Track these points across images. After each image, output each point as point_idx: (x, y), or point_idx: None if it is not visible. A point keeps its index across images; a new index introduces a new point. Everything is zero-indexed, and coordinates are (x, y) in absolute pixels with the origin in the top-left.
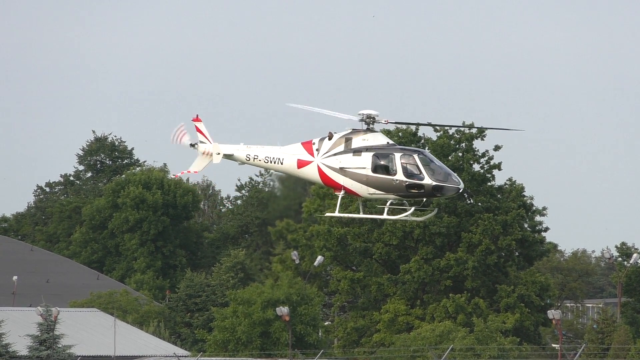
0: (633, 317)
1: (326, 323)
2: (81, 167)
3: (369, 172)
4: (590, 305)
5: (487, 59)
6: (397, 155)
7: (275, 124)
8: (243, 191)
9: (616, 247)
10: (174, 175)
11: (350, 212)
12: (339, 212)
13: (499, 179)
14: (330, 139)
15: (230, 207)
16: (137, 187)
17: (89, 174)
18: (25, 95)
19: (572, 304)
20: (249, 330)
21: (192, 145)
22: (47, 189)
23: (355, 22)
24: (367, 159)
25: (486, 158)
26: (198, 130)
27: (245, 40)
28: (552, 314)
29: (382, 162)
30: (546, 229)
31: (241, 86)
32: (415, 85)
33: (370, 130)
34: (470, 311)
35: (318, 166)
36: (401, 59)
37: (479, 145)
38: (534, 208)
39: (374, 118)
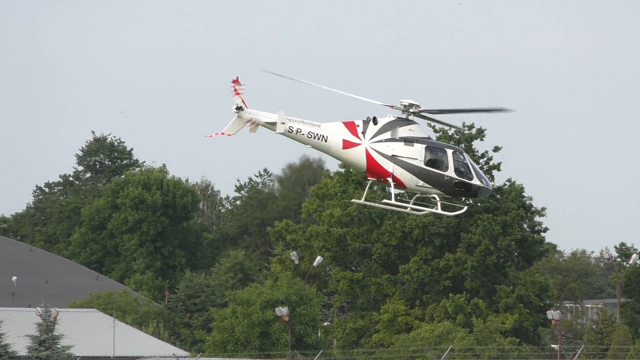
0: (632, 318)
1: (325, 323)
2: (80, 168)
3: (421, 164)
4: (589, 305)
5: (487, 58)
6: (449, 152)
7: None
8: (242, 192)
9: (615, 247)
10: (206, 135)
11: (375, 202)
12: (365, 199)
13: (499, 179)
14: (375, 123)
15: (229, 207)
16: (136, 188)
17: (88, 175)
18: (24, 96)
19: (571, 305)
20: (248, 330)
21: (238, 108)
22: (47, 190)
23: (354, 20)
24: (419, 151)
25: (485, 159)
26: (237, 93)
27: (244, 41)
28: (552, 314)
29: (434, 157)
30: (545, 230)
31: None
32: (415, 85)
33: (411, 121)
34: (469, 311)
35: (367, 150)
36: (400, 58)
37: (478, 145)
38: (533, 209)
39: (416, 107)
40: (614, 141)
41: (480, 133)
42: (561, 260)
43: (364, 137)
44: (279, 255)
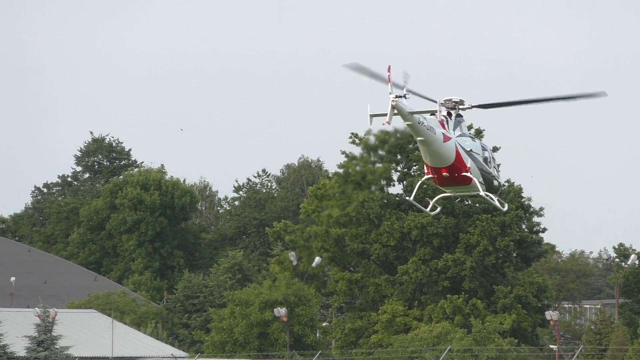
0: (630, 318)
1: (324, 324)
2: (79, 168)
3: (483, 163)
4: (587, 306)
5: (486, 58)
6: (489, 150)
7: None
8: (240, 192)
9: (614, 248)
10: (383, 123)
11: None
12: (414, 199)
13: None
14: (436, 116)
15: (227, 208)
16: (134, 188)
17: (87, 175)
18: (23, 96)
19: (570, 305)
20: (246, 331)
21: (402, 96)
22: (45, 190)
23: (352, 22)
24: (479, 148)
25: None
26: (390, 80)
27: (243, 41)
28: (550, 314)
29: (487, 155)
30: (544, 230)
31: (239, 86)
32: (414, 85)
33: (460, 116)
34: (467, 312)
35: (455, 144)
36: (399, 59)
37: None
38: (531, 209)
39: (460, 103)
40: (614, 141)
41: (479, 133)
42: (560, 260)
43: (449, 131)
44: (278, 255)
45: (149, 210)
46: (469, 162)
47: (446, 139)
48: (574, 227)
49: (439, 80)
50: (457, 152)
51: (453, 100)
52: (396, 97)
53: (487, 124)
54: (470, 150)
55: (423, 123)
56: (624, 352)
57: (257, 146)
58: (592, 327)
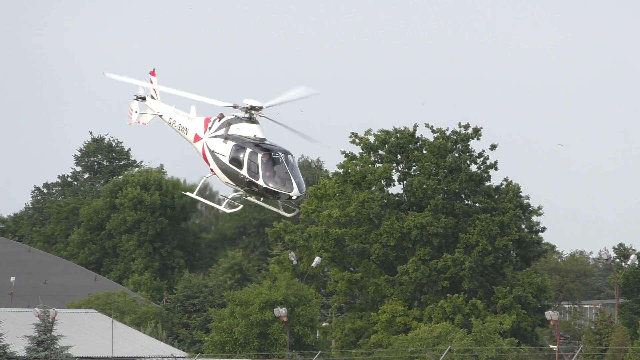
0: (630, 318)
1: (324, 324)
2: (78, 168)
3: (226, 160)
4: (587, 306)
5: (485, 58)
6: (248, 151)
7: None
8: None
9: (614, 248)
10: (129, 123)
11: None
12: (197, 194)
13: (496, 178)
14: (219, 120)
15: None
16: (134, 188)
17: (87, 175)
18: (22, 96)
19: (569, 305)
20: (246, 331)
21: (138, 97)
22: (45, 190)
23: (353, 20)
24: (228, 148)
25: (482, 158)
26: (151, 83)
27: (243, 40)
28: (550, 314)
29: (237, 155)
30: (543, 229)
31: (239, 86)
32: (413, 85)
33: (250, 120)
34: (467, 312)
35: (203, 145)
36: (398, 58)
37: (475, 145)
38: (530, 208)
39: (255, 109)
40: (613, 141)
41: (477, 132)
42: (560, 260)
43: (208, 132)
44: (278, 255)
45: (149, 210)
46: (212, 163)
47: (196, 139)
48: (574, 227)
49: (438, 80)
50: (204, 152)
51: (250, 104)
52: (137, 97)
53: (487, 123)
54: (214, 151)
55: (174, 123)
56: (624, 352)
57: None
58: (592, 327)
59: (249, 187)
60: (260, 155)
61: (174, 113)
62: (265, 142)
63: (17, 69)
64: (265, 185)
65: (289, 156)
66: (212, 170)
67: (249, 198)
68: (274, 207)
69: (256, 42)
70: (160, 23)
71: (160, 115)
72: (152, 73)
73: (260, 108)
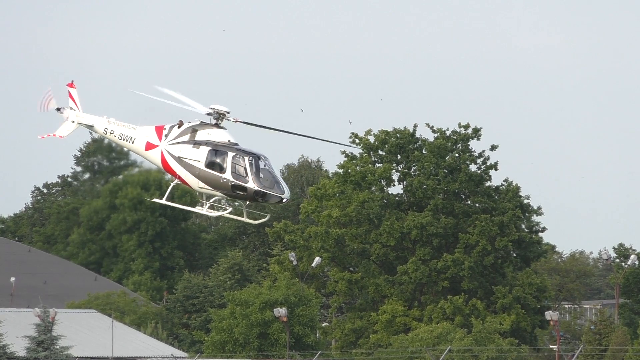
0: (630, 318)
1: (324, 324)
2: (78, 168)
3: (202, 166)
4: (587, 306)
5: (484, 58)
6: (230, 155)
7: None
8: None
9: (614, 248)
10: (40, 136)
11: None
12: (166, 199)
13: (496, 179)
14: (179, 127)
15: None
16: (135, 188)
17: (87, 175)
18: (22, 96)
19: (569, 305)
20: (246, 331)
21: (58, 109)
22: (45, 190)
23: (353, 20)
24: (203, 153)
25: (482, 159)
26: (70, 96)
27: (243, 40)
28: (550, 315)
29: (215, 159)
30: (543, 229)
31: (239, 86)
32: (411, 85)
33: (217, 126)
34: (467, 312)
35: (162, 152)
36: (398, 58)
37: (475, 145)
38: (530, 208)
39: (223, 115)
40: (613, 141)
41: (477, 132)
42: (560, 261)
43: (165, 139)
44: (278, 255)
45: (149, 211)
46: (178, 169)
47: (149, 147)
48: (574, 227)
49: (435, 79)
50: (164, 161)
51: (217, 110)
52: (57, 109)
53: (487, 122)
54: (182, 157)
55: (113, 132)
56: (624, 352)
57: (257, 146)
58: (592, 327)
59: (233, 191)
60: (247, 159)
61: (110, 123)
62: (239, 146)
63: (17, 69)
64: (256, 188)
65: (269, 161)
66: (178, 177)
67: (209, 212)
68: (238, 217)
69: (256, 42)
70: (160, 23)
71: (91, 126)
72: (71, 85)
73: (228, 113)
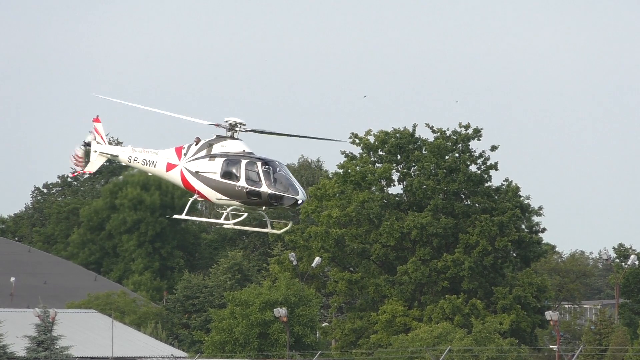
0: (630, 319)
1: (324, 324)
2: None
3: (218, 177)
4: (587, 306)
5: (484, 58)
6: (243, 163)
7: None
8: None
9: (614, 248)
10: (71, 174)
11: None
12: (186, 214)
13: (496, 179)
14: (197, 144)
15: None
16: (134, 189)
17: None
18: (22, 96)
19: (569, 305)
20: (246, 331)
21: (85, 144)
22: (45, 190)
23: (353, 20)
24: (218, 165)
25: (483, 159)
26: (96, 130)
27: (243, 41)
28: (550, 315)
29: (229, 169)
30: (543, 230)
31: (240, 86)
32: (411, 85)
33: (232, 137)
34: (467, 312)
35: (181, 170)
36: (398, 58)
37: (475, 145)
38: (530, 208)
39: (238, 125)
40: (613, 141)
41: (477, 133)
42: (560, 261)
43: (184, 158)
44: (278, 256)
45: (149, 211)
46: (196, 184)
47: (169, 167)
48: (574, 227)
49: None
50: (184, 178)
51: (233, 121)
52: (84, 144)
53: (487, 122)
54: (199, 172)
55: (136, 160)
56: (624, 352)
57: (257, 146)
58: (592, 327)
59: (249, 197)
60: (259, 164)
61: (133, 151)
62: (253, 154)
63: (17, 69)
64: (269, 192)
65: (284, 166)
66: (197, 192)
67: (234, 225)
68: (261, 229)
69: (256, 43)
70: (160, 23)
71: (116, 156)
72: (97, 119)
73: (243, 124)
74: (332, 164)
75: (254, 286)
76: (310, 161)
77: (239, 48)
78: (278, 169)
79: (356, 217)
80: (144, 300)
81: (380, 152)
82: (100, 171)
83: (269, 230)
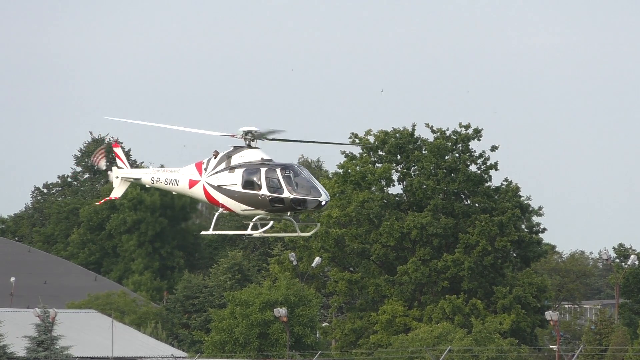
0: (630, 319)
1: (324, 324)
2: (78, 169)
3: (239, 188)
4: (587, 306)
5: (484, 58)
6: (263, 171)
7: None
8: None
9: (614, 248)
10: (98, 202)
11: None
12: (213, 229)
13: (496, 179)
14: (215, 157)
15: None
16: (134, 189)
17: (87, 176)
18: (22, 96)
19: (569, 305)
20: (246, 331)
21: (106, 170)
22: (45, 190)
23: (353, 20)
24: (238, 176)
25: (482, 159)
26: (117, 155)
27: (243, 41)
28: (550, 315)
29: (250, 178)
30: (543, 230)
31: (240, 86)
32: (410, 85)
33: (250, 146)
34: (467, 312)
35: (203, 185)
36: (398, 58)
37: (475, 145)
38: (530, 208)
39: (254, 134)
40: (613, 141)
41: (477, 133)
42: (560, 261)
43: (205, 173)
44: (278, 256)
45: (149, 211)
46: (219, 197)
47: (192, 184)
48: (574, 227)
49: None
50: (207, 193)
51: (247, 130)
52: (105, 169)
53: (487, 122)
54: (221, 185)
55: (158, 180)
56: (624, 352)
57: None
58: (592, 327)
59: (272, 205)
60: (278, 170)
61: (155, 172)
62: (272, 161)
63: (17, 68)
64: (292, 196)
65: (304, 169)
66: (222, 206)
67: (262, 233)
68: (290, 233)
69: (255, 43)
70: (160, 23)
71: (139, 179)
72: (116, 144)
73: (258, 132)
74: (332, 163)
75: (254, 286)
76: (310, 161)
77: (239, 48)
78: (298, 172)
79: (356, 217)
80: (144, 300)
81: (380, 152)
82: (100, 171)
83: (298, 234)
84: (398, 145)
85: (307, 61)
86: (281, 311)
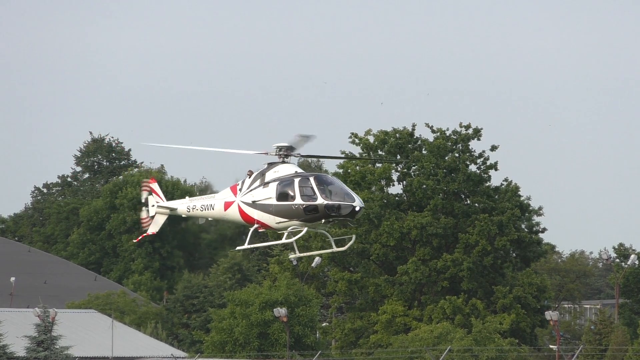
0: (630, 318)
1: (324, 324)
2: (78, 169)
3: (274, 201)
4: (587, 306)
5: (484, 59)
6: (296, 181)
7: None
8: None
9: (614, 248)
10: (136, 239)
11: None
12: (248, 243)
13: (496, 179)
14: (250, 177)
15: None
16: (134, 188)
17: (87, 175)
18: (22, 96)
19: (569, 305)
20: (246, 331)
21: (144, 203)
22: (45, 190)
23: (353, 20)
24: (272, 189)
25: (482, 159)
26: (153, 191)
27: (243, 41)
28: (550, 314)
29: (284, 190)
30: (543, 230)
31: (240, 86)
32: (411, 85)
33: (283, 162)
34: (467, 312)
35: (238, 205)
36: (398, 58)
37: (475, 145)
38: (530, 208)
39: (288, 150)
40: (613, 141)
41: (477, 133)
42: (560, 261)
43: (239, 193)
44: (278, 255)
45: None
46: (255, 214)
47: (227, 206)
48: (574, 227)
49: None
50: (242, 212)
51: (280, 146)
52: (142, 203)
53: (487, 122)
54: (255, 202)
55: (194, 208)
56: (624, 352)
57: (258, 146)
58: (592, 327)
59: (306, 213)
60: (312, 179)
61: (191, 200)
62: (304, 173)
63: (17, 68)
64: (325, 202)
65: (337, 179)
66: (257, 222)
67: (298, 254)
68: (325, 250)
69: (255, 43)
70: (160, 23)
71: (175, 209)
72: (153, 180)
73: (291, 148)
74: (332, 164)
75: (254, 286)
76: (310, 161)
77: (239, 48)
78: (331, 181)
79: None
80: (144, 300)
81: (380, 152)
82: (100, 171)
83: (334, 249)
84: (398, 145)
85: (308, 61)
86: (281, 311)
